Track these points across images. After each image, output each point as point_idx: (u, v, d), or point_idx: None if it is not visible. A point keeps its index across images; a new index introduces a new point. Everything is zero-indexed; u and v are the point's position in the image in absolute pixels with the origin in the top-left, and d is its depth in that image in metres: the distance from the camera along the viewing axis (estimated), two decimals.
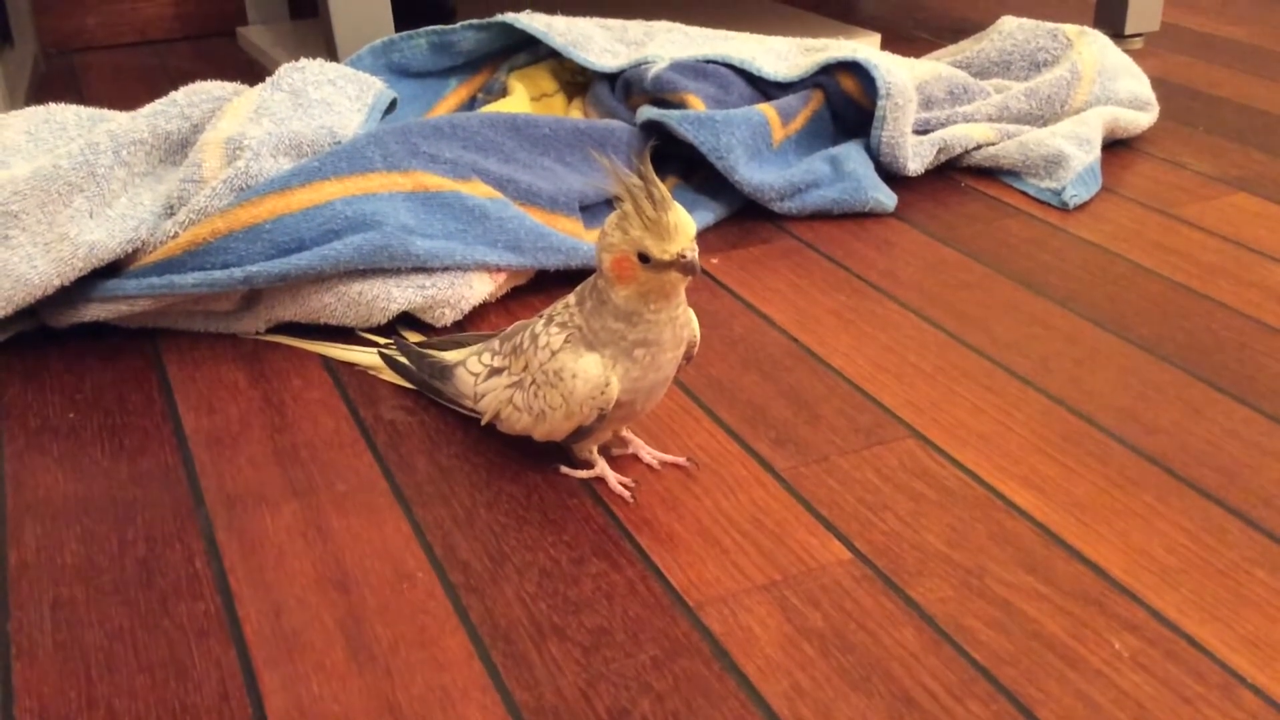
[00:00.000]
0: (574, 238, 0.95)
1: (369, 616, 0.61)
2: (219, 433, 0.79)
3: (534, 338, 0.70)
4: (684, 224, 0.63)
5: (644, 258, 0.63)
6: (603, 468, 0.72)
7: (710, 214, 1.07)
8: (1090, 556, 0.65)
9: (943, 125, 1.19)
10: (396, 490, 0.72)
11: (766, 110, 1.10)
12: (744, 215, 1.10)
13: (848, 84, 1.16)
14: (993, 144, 1.18)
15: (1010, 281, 0.98)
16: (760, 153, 1.09)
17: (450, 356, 0.79)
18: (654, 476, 0.73)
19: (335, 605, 0.62)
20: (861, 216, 1.10)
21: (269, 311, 0.88)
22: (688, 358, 0.70)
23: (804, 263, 1.02)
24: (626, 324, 0.66)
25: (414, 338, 0.88)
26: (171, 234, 0.85)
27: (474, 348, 0.78)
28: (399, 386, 0.83)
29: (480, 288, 0.90)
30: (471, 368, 0.75)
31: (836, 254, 1.04)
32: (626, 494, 0.71)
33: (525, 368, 0.70)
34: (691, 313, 0.69)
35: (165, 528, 0.69)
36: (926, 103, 1.19)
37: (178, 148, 0.90)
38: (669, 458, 0.74)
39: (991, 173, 1.20)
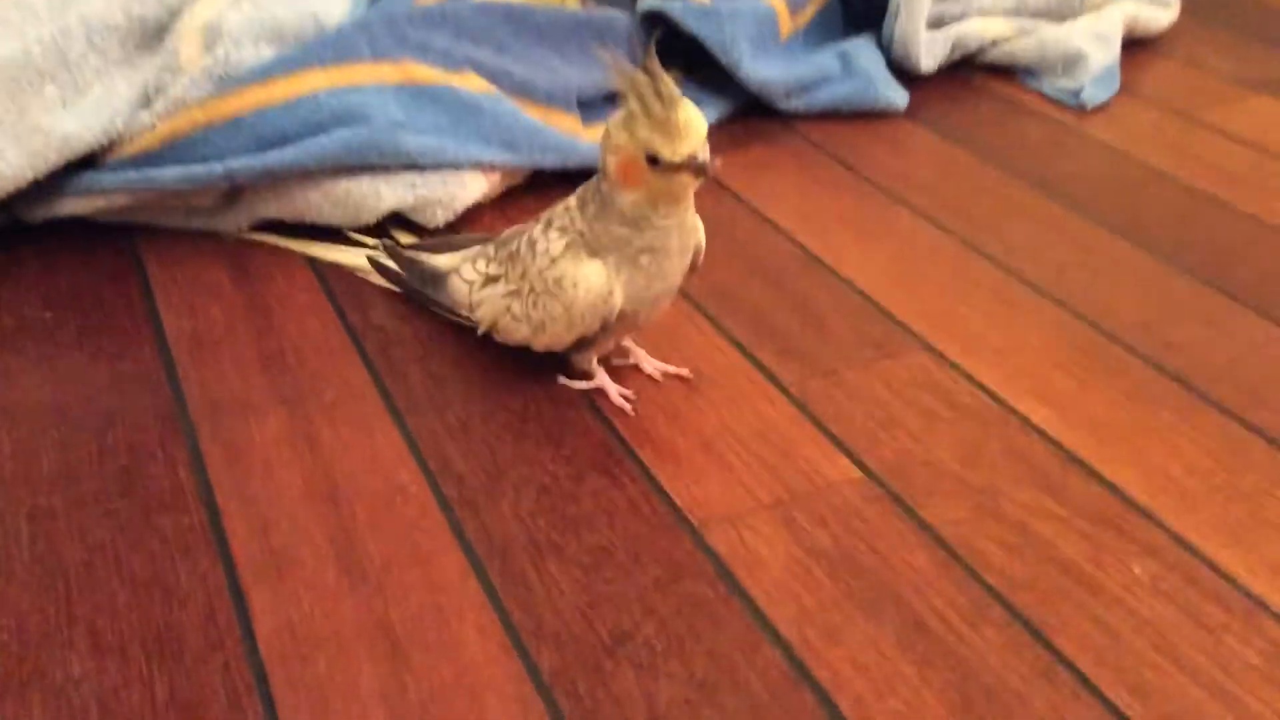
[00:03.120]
0: (571, 135, 0.91)
1: (360, 532, 0.59)
2: (202, 336, 0.75)
3: (532, 244, 0.66)
4: (695, 122, 0.59)
5: (652, 159, 0.59)
6: (603, 379, 0.70)
7: (714, 111, 1.02)
8: (1108, 476, 0.63)
9: (956, 19, 1.14)
10: (388, 399, 0.69)
11: (775, 2, 1.05)
12: (749, 113, 1.05)
13: None
14: (1008, 40, 1.13)
15: (1024, 185, 0.95)
16: (767, 47, 1.04)
17: (442, 262, 0.75)
18: (655, 388, 0.70)
19: (325, 520, 0.60)
20: (871, 116, 1.06)
21: (252, 209, 0.84)
22: (693, 267, 0.67)
23: (811, 165, 0.98)
24: (632, 229, 0.62)
25: (405, 238, 0.84)
26: (149, 125, 0.80)
27: (467, 252, 0.74)
28: (389, 291, 0.80)
29: (474, 187, 0.86)
30: (465, 275, 0.72)
31: (845, 156, 1.00)
32: (627, 406, 0.68)
33: (523, 275, 0.67)
34: (698, 219, 0.66)
35: (147, 435, 0.66)
36: None
37: (154, 34, 0.85)
38: (671, 369, 0.71)
39: (1006, 70, 1.15)
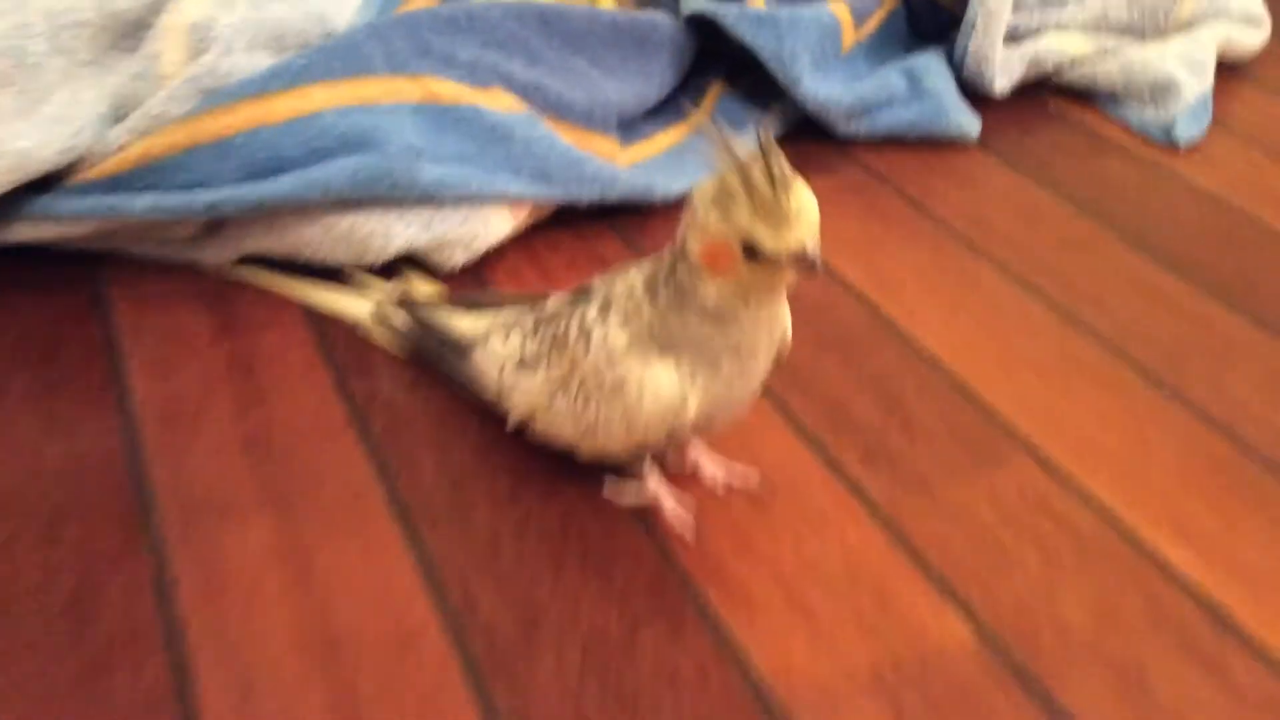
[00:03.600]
0: (610, 163, 0.79)
1: (365, 705, 0.47)
2: (175, 405, 0.63)
3: (586, 331, 0.54)
4: (808, 209, 0.47)
5: (750, 250, 0.47)
6: (658, 488, 0.58)
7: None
8: (1275, 654, 0.52)
9: (1032, 34, 1.02)
10: (397, 502, 0.58)
11: (838, 8, 0.93)
12: (801, 134, 0.93)
13: None
14: (1088, 60, 1.02)
15: (1121, 241, 0.83)
16: (828, 61, 0.92)
17: (466, 326, 0.63)
18: (719, 501, 0.59)
19: (321, 681, 0.48)
20: (939, 144, 0.94)
21: (238, 241, 0.72)
22: (777, 361, 0.55)
23: (877, 202, 0.86)
24: (715, 326, 0.51)
25: (420, 283, 0.72)
26: (120, 144, 0.68)
27: (498, 318, 0.62)
28: (401, 359, 0.68)
29: (498, 224, 0.74)
30: (495, 350, 0.60)
31: (913, 191, 0.88)
32: (688, 531, 0.57)
33: (573, 367, 0.55)
34: (787, 309, 0.54)
35: (104, 545, 0.54)
36: (1014, 4, 1.02)
37: (131, 31, 0.72)
38: (737, 475, 0.60)
39: (1084, 94, 1.03)
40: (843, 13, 0.93)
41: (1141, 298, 0.77)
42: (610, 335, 0.53)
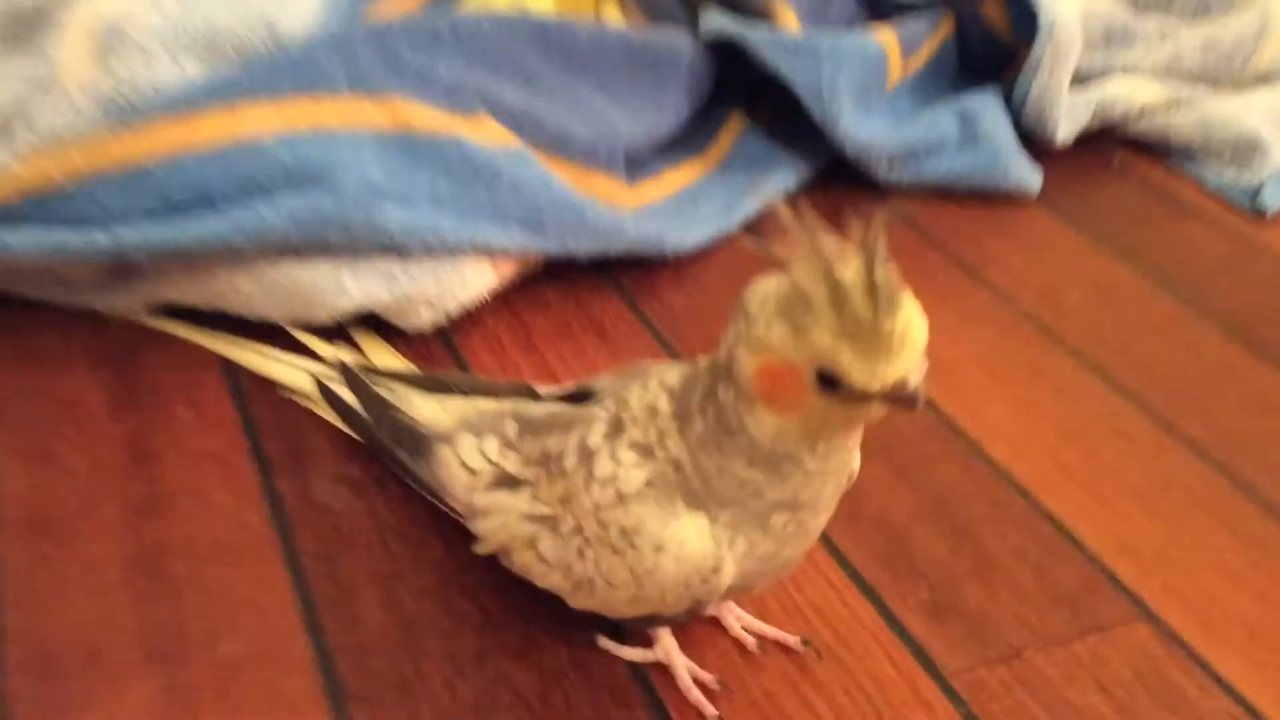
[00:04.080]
0: (614, 208, 0.66)
1: None
2: (50, 511, 0.49)
3: (588, 456, 0.41)
4: (914, 333, 0.34)
5: (829, 380, 0.34)
6: (669, 647, 0.45)
7: (790, 174, 0.77)
8: None
9: (1097, 77, 0.90)
10: (328, 668, 0.44)
11: (885, 37, 0.80)
12: (832, 179, 0.80)
13: (992, 11, 0.85)
14: (1161, 110, 0.89)
15: (1216, 330, 0.70)
16: (870, 97, 0.79)
17: (428, 413, 0.50)
18: (750, 664, 0.45)
19: None
20: (992, 198, 0.81)
21: (153, 288, 0.58)
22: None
23: (927, 269, 0.73)
24: (768, 474, 0.37)
25: (376, 349, 0.59)
26: (3, 166, 0.53)
27: (470, 409, 0.49)
28: (340, 432, 0.54)
29: (477, 280, 0.60)
30: (466, 457, 0.46)
31: (966, 255, 0.75)
32: (708, 707, 0.43)
33: (566, 500, 0.41)
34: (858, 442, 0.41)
35: None
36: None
37: (27, 24, 0.58)
38: (772, 632, 0.46)
39: (1152, 148, 0.90)
40: (890, 42, 0.80)
41: (1250, 405, 0.64)
42: (621, 470, 0.39)
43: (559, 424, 0.43)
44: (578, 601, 0.43)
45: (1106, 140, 0.90)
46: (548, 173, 0.62)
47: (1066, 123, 0.85)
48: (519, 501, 0.43)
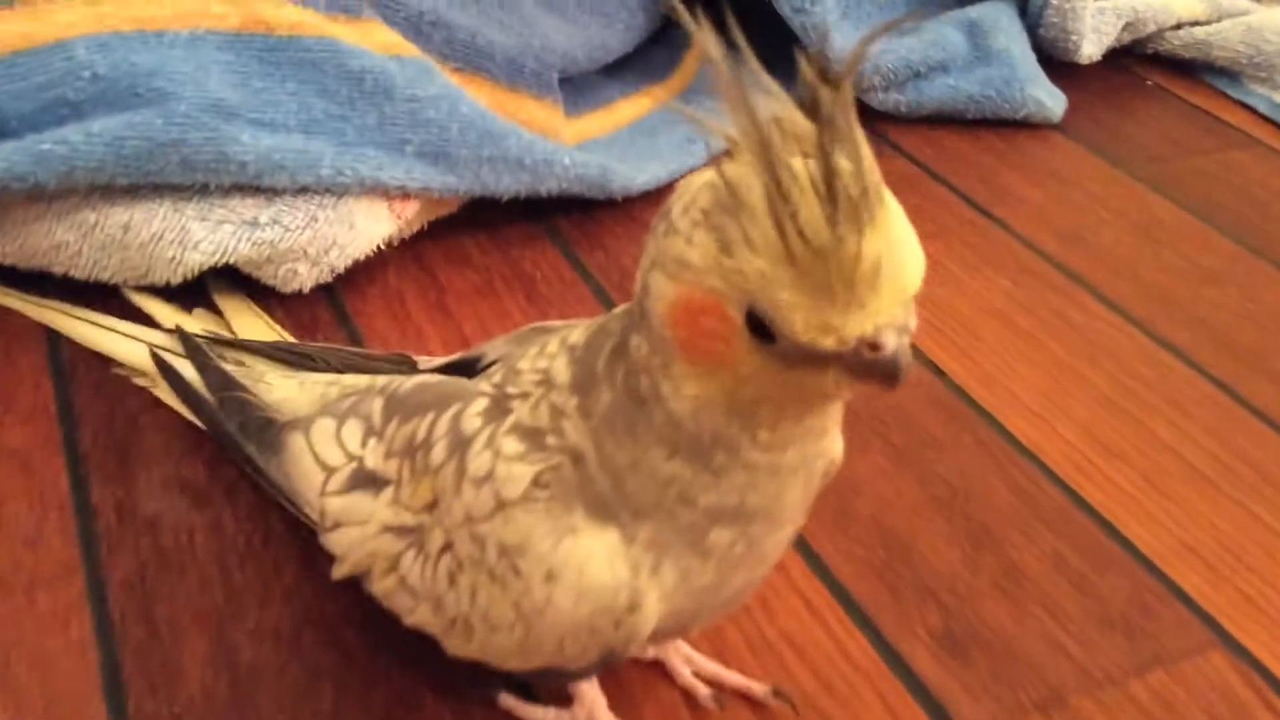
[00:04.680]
0: (548, 139, 0.53)
1: None
2: None
3: (460, 444, 0.29)
4: (896, 266, 0.22)
5: (762, 326, 0.22)
6: (592, 706, 0.33)
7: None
8: None
9: None
10: None
11: None
12: None
13: None
14: (1201, 24, 0.76)
15: (1276, 271, 0.58)
16: (861, 6, 0.66)
17: (282, 394, 0.38)
18: (700, 717, 0.34)
19: None
20: (1008, 125, 0.69)
21: None
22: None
23: (931, 207, 0.61)
24: (697, 468, 0.25)
25: (238, 315, 0.47)
26: None
27: (334, 392, 0.37)
28: (180, 419, 0.42)
29: (368, 226, 0.48)
30: (321, 449, 0.34)
31: (979, 193, 0.62)
32: None
33: (433, 506, 0.29)
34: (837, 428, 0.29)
35: None
36: None
37: None
38: (733, 679, 0.35)
39: (1192, 67, 0.78)
40: None
41: None
42: (501, 468, 0.28)
43: (431, 401, 0.31)
44: (454, 647, 0.31)
45: (1138, 59, 0.78)
46: (458, 91, 0.49)
47: (1092, 37, 0.72)
48: (378, 507, 0.32)
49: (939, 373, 0.49)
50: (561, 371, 0.28)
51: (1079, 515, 0.43)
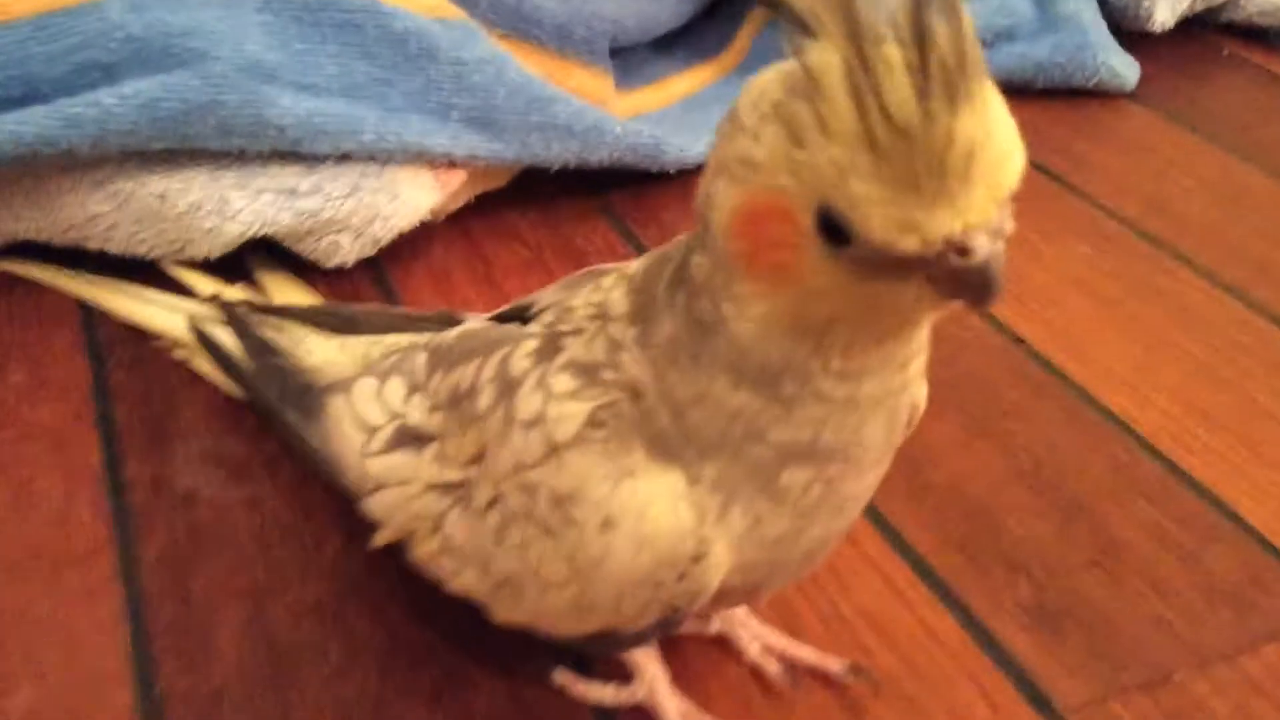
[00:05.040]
0: (599, 108, 0.51)
1: None
2: None
3: (508, 389, 0.26)
4: (994, 154, 0.19)
5: (834, 226, 0.19)
6: (654, 681, 0.30)
7: None
8: None
9: None
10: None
11: None
12: None
13: None
14: None
15: None
16: None
17: (322, 357, 0.36)
18: (774, 703, 0.31)
19: None
20: (1078, 94, 0.65)
21: None
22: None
23: None
24: (767, 399, 0.23)
25: (279, 288, 0.45)
26: None
27: (376, 353, 0.35)
28: (222, 394, 0.40)
29: (414, 198, 0.46)
30: (363, 409, 0.32)
31: (1054, 162, 0.59)
32: None
33: (478, 458, 0.27)
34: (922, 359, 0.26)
35: None
36: None
37: None
38: (808, 655, 0.32)
39: (1268, 35, 0.74)
40: None
41: None
42: (553, 407, 0.25)
43: (477, 348, 0.29)
44: (503, 613, 0.28)
45: (1212, 28, 0.74)
46: (505, 55, 0.47)
47: (1165, 4, 0.69)
48: (422, 465, 0.29)
49: (1018, 341, 0.46)
50: (619, 302, 0.25)
51: (1179, 487, 0.39)
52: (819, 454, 0.23)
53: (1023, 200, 0.53)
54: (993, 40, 0.64)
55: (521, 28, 0.51)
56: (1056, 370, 0.45)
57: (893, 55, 0.18)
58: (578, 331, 0.26)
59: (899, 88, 0.18)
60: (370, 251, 0.46)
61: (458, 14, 0.47)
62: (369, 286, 0.47)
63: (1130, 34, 0.69)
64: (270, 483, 0.37)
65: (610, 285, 0.26)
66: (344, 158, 0.44)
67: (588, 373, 0.25)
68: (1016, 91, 0.65)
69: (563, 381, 0.25)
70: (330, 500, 0.36)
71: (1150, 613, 0.35)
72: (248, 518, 0.36)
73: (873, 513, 0.37)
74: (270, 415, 0.36)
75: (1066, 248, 0.52)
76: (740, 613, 0.32)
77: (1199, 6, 0.72)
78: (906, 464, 0.39)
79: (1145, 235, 0.53)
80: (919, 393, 0.26)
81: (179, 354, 0.42)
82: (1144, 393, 0.44)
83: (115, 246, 0.44)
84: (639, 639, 0.27)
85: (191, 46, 0.41)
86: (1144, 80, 0.66)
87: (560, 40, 0.52)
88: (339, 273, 0.47)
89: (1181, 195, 0.57)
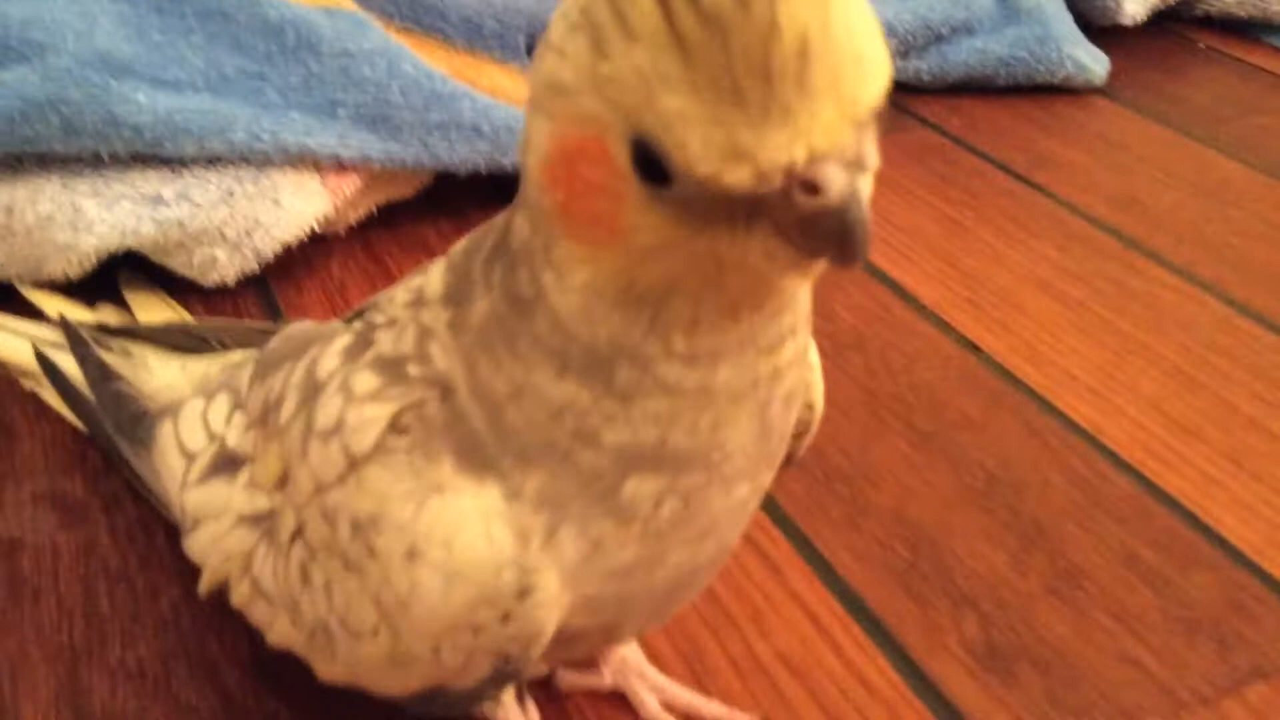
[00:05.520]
0: (511, 105, 0.47)
1: None
2: None
3: (312, 390, 0.22)
4: (841, 57, 0.14)
5: (650, 163, 0.14)
6: None
7: None
8: None
9: None
10: None
11: None
12: None
13: None
14: None
15: None
16: None
17: (164, 381, 0.31)
18: None
19: None
20: (1044, 90, 0.61)
21: None
22: (789, 457, 0.22)
23: (959, 175, 0.53)
24: (599, 388, 0.18)
25: (148, 309, 0.40)
26: None
27: (216, 370, 0.30)
28: (68, 427, 0.35)
29: (299, 205, 0.41)
30: (186, 434, 0.28)
31: (1016, 160, 0.55)
32: None
33: (285, 480, 0.22)
34: (814, 349, 0.21)
35: None
36: None
37: None
38: (713, 711, 0.27)
39: (1245, 27, 0.70)
40: None
41: None
42: (352, 413, 0.20)
43: (290, 350, 0.24)
44: (323, 669, 0.24)
45: (1186, 22, 0.70)
46: (398, 45, 0.43)
47: None
48: (234, 493, 0.25)
49: (973, 348, 0.41)
50: (435, 283, 0.21)
51: (1153, 504, 0.35)
52: (669, 460, 0.19)
53: (982, 200, 0.48)
54: (949, 34, 0.60)
55: (424, 21, 0.46)
56: (1014, 378, 0.40)
57: None
58: (391, 323, 0.21)
59: None
60: (253, 266, 0.42)
61: (346, 4, 0.43)
62: (253, 305, 0.42)
63: (1099, 30, 0.65)
64: (107, 526, 0.33)
65: (434, 267, 0.22)
66: (214, 161, 0.40)
67: (392, 369, 0.20)
68: (977, 90, 0.61)
69: (364, 380, 0.21)
70: (173, 545, 0.31)
71: (1118, 650, 0.30)
72: (74, 566, 0.31)
73: (798, 538, 0.32)
74: (109, 447, 0.31)
75: (1029, 249, 0.48)
76: (635, 659, 0.28)
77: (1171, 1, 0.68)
78: (842, 483, 0.35)
79: (1114, 233, 0.49)
80: (810, 388, 0.22)
81: (26, 384, 0.37)
82: (1112, 401, 0.39)
83: None
84: (476, 697, 0.22)
85: (31, 38, 0.37)
86: (1114, 75, 0.62)
87: (469, 35, 0.47)
88: (220, 291, 0.42)
89: (1154, 191, 0.53)
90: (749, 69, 0.14)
